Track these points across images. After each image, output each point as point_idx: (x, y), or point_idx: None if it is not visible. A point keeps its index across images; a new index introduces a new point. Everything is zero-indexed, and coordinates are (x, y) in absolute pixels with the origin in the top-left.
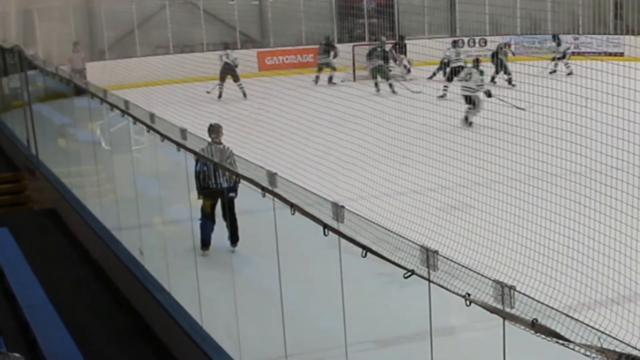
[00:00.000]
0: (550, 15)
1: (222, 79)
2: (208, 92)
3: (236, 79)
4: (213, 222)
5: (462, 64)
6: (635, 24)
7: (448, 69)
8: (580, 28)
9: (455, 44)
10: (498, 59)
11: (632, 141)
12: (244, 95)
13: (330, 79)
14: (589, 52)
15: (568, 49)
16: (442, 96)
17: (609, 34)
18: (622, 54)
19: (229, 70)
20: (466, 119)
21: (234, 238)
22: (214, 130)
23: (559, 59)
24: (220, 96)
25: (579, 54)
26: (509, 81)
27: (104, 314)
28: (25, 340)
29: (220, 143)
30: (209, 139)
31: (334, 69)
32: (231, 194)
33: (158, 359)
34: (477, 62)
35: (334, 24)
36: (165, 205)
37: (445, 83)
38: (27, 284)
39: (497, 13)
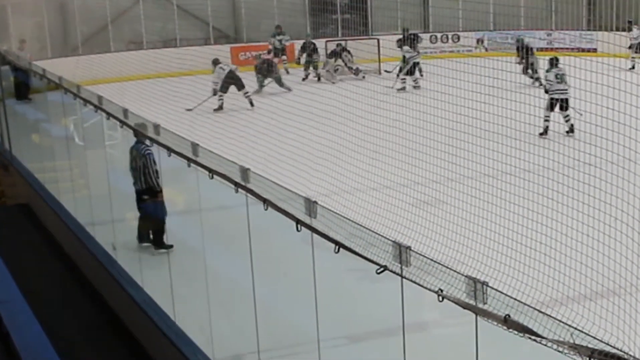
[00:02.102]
0: (523, 11)
1: (225, 89)
2: (189, 110)
3: (241, 87)
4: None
5: (419, 59)
6: (608, 20)
7: (409, 65)
8: (554, 24)
9: (401, 41)
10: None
11: (605, 137)
12: (251, 104)
13: (318, 77)
14: (562, 48)
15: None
16: (402, 88)
17: (583, 29)
18: (595, 50)
19: (232, 80)
20: (572, 127)
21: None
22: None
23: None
24: (221, 108)
25: (551, 49)
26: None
27: (77, 309)
28: None
29: (144, 143)
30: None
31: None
32: (145, 197)
33: (130, 354)
34: (556, 61)
35: (307, 19)
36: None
37: (404, 77)
38: (0, 278)
39: (470, 9)
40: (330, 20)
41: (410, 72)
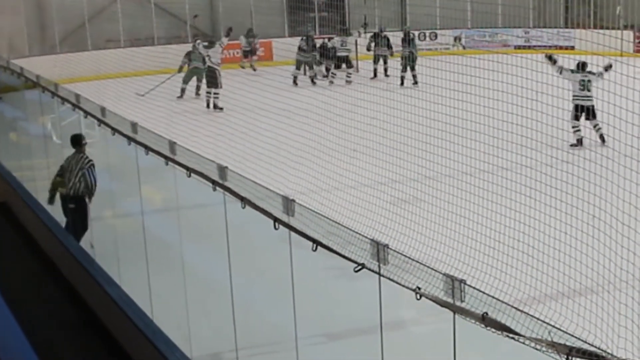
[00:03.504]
0: (500, 8)
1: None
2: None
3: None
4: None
5: (347, 53)
6: (585, 17)
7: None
8: (531, 21)
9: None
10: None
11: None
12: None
13: (312, 79)
14: (539, 46)
15: None
16: (331, 82)
17: (560, 27)
18: (572, 48)
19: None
20: (602, 137)
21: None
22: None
23: None
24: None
25: (529, 47)
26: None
27: (55, 307)
28: None
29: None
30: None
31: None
32: (70, 205)
33: (108, 352)
34: (583, 66)
35: (284, 17)
36: (116, 199)
37: (334, 71)
38: None
39: (448, 6)
40: (307, 18)
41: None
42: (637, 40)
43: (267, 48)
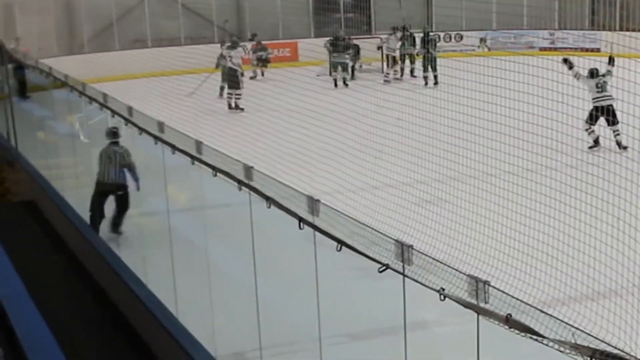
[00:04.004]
0: (525, 10)
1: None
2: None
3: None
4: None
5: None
6: (611, 19)
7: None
8: (556, 23)
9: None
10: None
11: (607, 137)
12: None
13: (344, 80)
14: (564, 48)
15: None
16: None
17: (586, 29)
18: (598, 50)
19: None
20: (619, 143)
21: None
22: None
23: None
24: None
25: (554, 49)
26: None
27: (80, 305)
28: (3, 329)
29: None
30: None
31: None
32: (119, 192)
33: (132, 349)
34: (597, 73)
35: (310, 18)
36: (142, 198)
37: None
38: (5, 274)
39: (473, 8)
40: (333, 19)
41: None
42: None
43: (293, 49)
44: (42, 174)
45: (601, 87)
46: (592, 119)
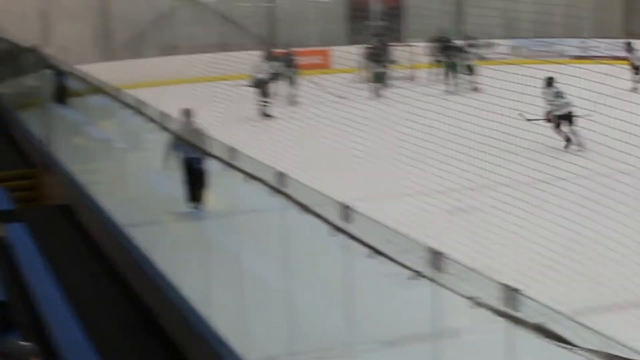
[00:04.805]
0: (557, 18)
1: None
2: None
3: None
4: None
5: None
6: None
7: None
8: (588, 32)
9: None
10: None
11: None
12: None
13: (379, 90)
14: (596, 56)
15: None
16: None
17: (617, 38)
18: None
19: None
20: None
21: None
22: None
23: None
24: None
25: (586, 57)
26: None
27: (115, 308)
28: (39, 332)
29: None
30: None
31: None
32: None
33: (166, 353)
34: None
35: (343, 25)
36: (177, 203)
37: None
38: (41, 278)
39: (505, 16)
40: (366, 26)
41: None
42: None
43: (326, 56)
44: (77, 178)
45: (559, 96)
46: (558, 125)
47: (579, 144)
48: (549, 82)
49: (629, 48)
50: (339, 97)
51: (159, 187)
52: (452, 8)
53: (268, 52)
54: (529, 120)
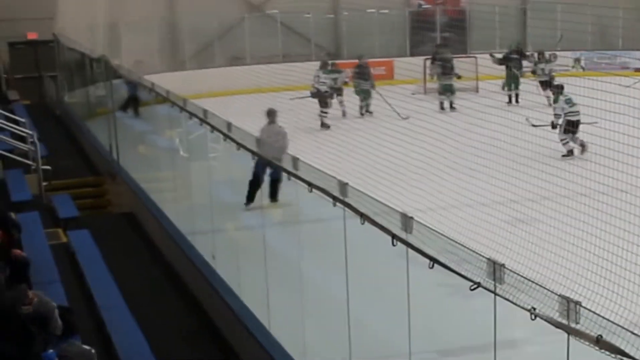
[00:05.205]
0: (621, 32)
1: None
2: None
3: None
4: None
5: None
6: None
7: None
8: None
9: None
10: None
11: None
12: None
13: (450, 104)
14: None
15: None
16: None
17: None
18: None
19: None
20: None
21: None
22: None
23: None
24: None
25: None
26: None
27: (175, 315)
28: (101, 337)
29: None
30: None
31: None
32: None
33: (224, 358)
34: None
35: (406, 37)
36: (239, 212)
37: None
38: (104, 283)
39: (567, 28)
40: (429, 38)
41: None
42: None
43: (389, 67)
44: (142, 187)
45: (571, 103)
46: (567, 131)
47: (583, 150)
48: (560, 90)
49: None
50: (403, 118)
51: (222, 196)
52: (516, 19)
53: (325, 63)
54: (534, 125)
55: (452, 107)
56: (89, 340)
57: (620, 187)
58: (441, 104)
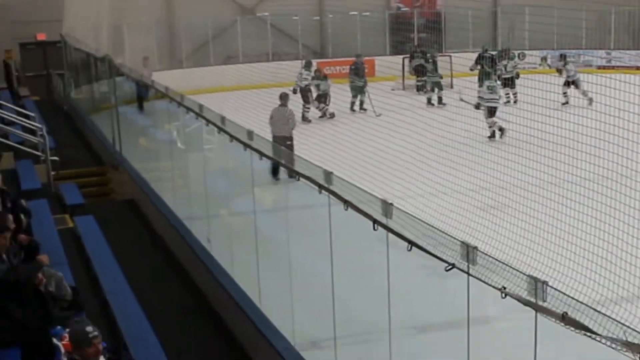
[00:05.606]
0: (584, 32)
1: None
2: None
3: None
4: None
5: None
6: None
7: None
8: (612, 43)
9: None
10: None
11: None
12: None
13: (439, 99)
14: (620, 66)
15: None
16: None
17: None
18: None
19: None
20: (494, 133)
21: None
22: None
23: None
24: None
25: (611, 67)
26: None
27: (173, 293)
28: (105, 316)
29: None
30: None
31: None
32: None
33: (219, 335)
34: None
35: (386, 37)
36: (231, 199)
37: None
38: (108, 265)
39: (535, 29)
40: (407, 38)
41: None
42: None
43: (370, 65)
44: (143, 176)
45: (492, 90)
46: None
47: (501, 135)
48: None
49: None
50: (377, 115)
51: (216, 185)
52: (488, 21)
53: (308, 62)
54: (461, 100)
55: (440, 102)
56: (94, 320)
57: (586, 177)
58: (429, 99)
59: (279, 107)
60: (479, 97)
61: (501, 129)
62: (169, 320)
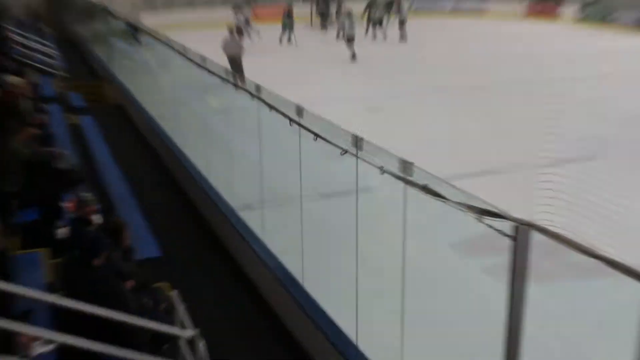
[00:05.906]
0: None
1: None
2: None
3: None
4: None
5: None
6: None
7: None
8: None
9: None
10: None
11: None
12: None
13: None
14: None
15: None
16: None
17: None
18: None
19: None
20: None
21: None
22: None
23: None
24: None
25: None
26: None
27: (148, 169)
28: (99, 187)
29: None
30: None
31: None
32: None
33: (182, 198)
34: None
35: None
36: (189, 103)
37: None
38: (102, 152)
39: None
40: None
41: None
42: None
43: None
44: (127, 86)
45: (349, 22)
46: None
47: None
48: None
49: None
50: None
51: (179, 94)
52: None
53: (236, 5)
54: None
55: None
56: (90, 185)
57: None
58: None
59: (229, 36)
60: (338, 28)
61: (354, 54)
62: (146, 187)
